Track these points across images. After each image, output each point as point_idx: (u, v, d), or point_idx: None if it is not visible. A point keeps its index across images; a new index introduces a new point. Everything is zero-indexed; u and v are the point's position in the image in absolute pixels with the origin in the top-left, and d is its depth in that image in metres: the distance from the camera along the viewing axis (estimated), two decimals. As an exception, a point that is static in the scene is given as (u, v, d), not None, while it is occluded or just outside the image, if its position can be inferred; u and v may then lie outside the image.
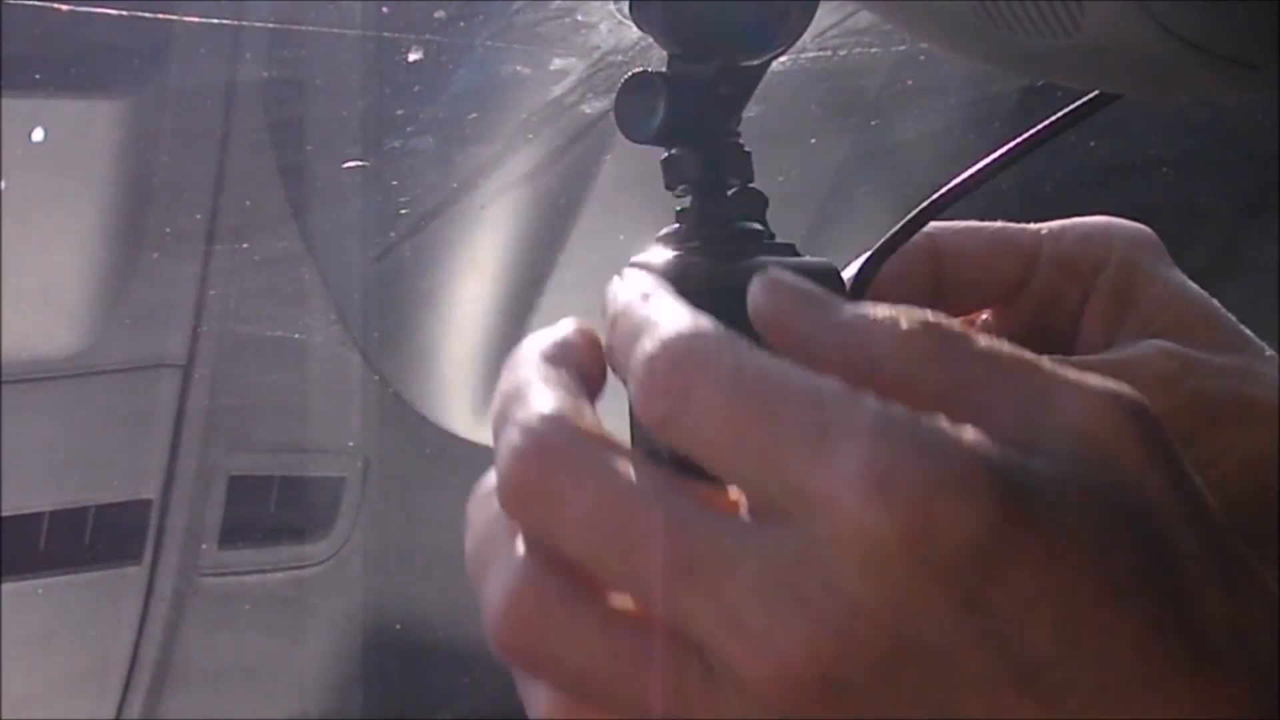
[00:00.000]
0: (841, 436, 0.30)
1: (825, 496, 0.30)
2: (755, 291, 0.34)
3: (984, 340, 0.33)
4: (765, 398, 0.31)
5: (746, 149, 0.47)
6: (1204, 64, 0.44)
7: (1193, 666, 0.30)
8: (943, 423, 0.31)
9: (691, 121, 0.45)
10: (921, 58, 1.32)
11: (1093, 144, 1.38)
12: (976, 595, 0.30)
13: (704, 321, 0.33)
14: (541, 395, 0.34)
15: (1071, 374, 0.32)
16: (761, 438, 0.31)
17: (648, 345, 0.32)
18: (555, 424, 0.33)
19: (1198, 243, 1.47)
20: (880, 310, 0.33)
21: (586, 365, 0.36)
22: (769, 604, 0.30)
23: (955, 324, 0.33)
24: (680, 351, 0.32)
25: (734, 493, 0.33)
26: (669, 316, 0.33)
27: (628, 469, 0.32)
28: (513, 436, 0.33)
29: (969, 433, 0.31)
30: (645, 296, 0.34)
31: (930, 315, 0.33)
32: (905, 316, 0.33)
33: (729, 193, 0.46)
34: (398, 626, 1.56)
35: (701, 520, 0.31)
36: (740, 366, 0.31)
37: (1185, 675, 0.30)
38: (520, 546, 0.33)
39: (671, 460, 0.33)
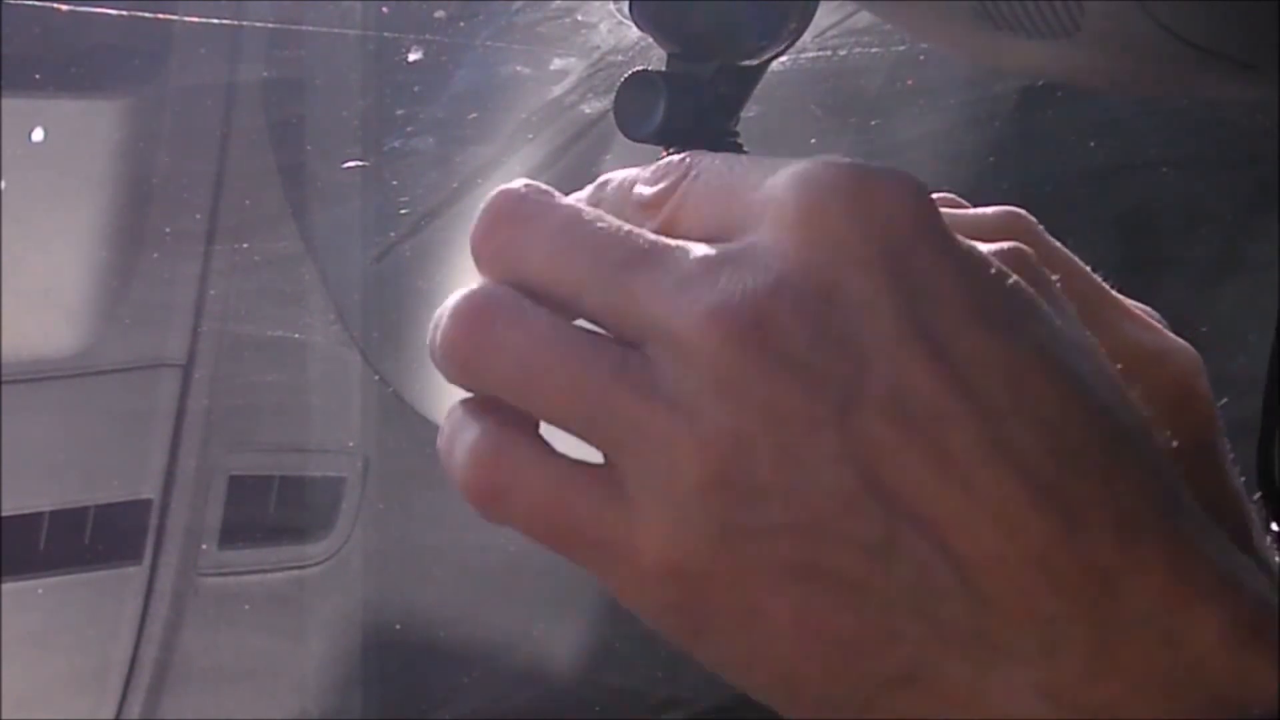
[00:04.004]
0: (780, 169, 0.35)
1: (775, 200, 0.35)
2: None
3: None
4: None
5: (745, 149, 0.47)
6: (1204, 64, 0.44)
7: (1085, 372, 0.35)
8: None
9: (690, 121, 0.45)
10: (921, 58, 1.32)
11: (1093, 144, 1.38)
12: (900, 262, 0.34)
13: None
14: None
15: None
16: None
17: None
18: (516, 188, 0.38)
19: (1198, 243, 1.47)
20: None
21: None
22: (707, 263, 0.34)
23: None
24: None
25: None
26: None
27: (578, 207, 0.37)
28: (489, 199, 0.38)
29: None
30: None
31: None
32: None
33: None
34: (398, 626, 1.56)
35: (646, 235, 0.36)
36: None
37: (1077, 379, 0.35)
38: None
39: None
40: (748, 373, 0.33)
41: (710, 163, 0.37)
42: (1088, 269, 0.43)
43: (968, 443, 0.33)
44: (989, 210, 0.42)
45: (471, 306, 0.36)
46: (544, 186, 0.38)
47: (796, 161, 0.36)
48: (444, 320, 0.36)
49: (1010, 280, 0.35)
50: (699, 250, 0.35)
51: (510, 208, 0.37)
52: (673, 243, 0.35)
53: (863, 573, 0.33)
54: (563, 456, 0.36)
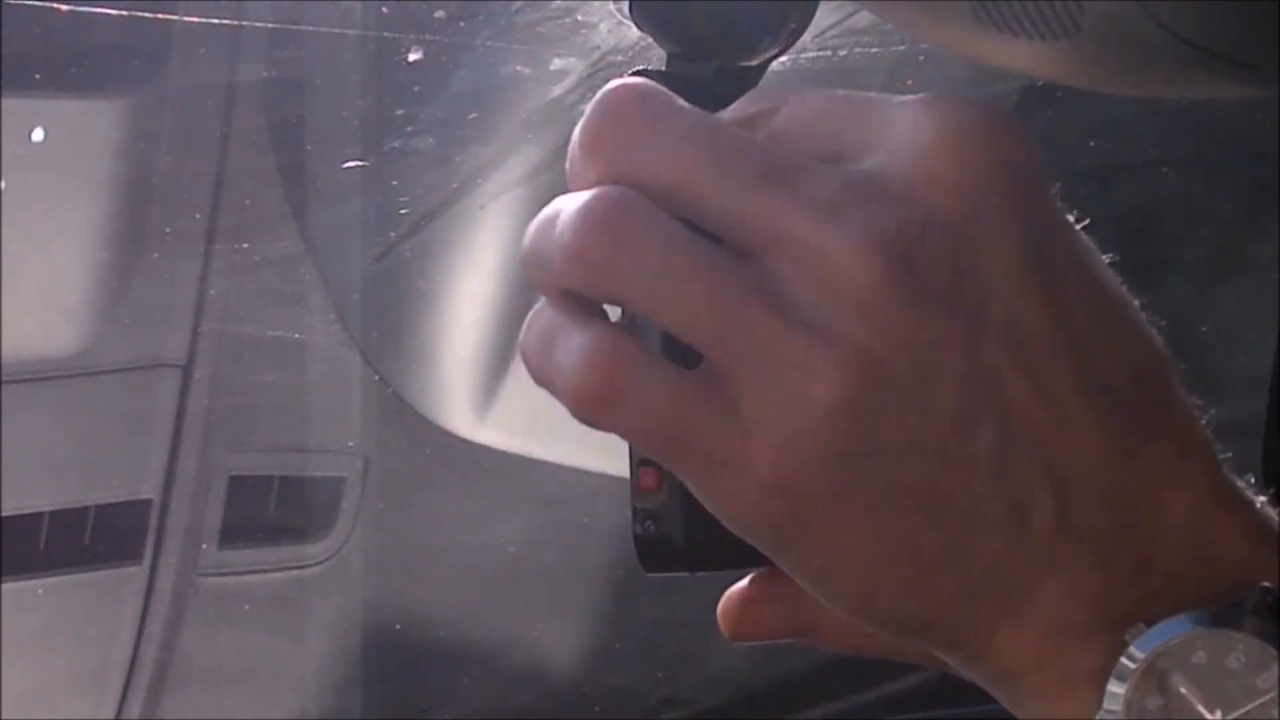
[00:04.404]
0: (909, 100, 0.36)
1: (905, 125, 0.35)
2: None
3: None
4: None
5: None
6: (1204, 64, 0.44)
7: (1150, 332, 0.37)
8: None
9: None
10: (921, 58, 1.32)
11: (1093, 144, 1.38)
12: (1025, 197, 0.36)
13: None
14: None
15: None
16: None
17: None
18: (642, 83, 0.37)
19: (1198, 243, 1.47)
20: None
21: None
22: (856, 188, 0.35)
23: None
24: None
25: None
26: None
27: (711, 115, 0.37)
28: (600, 94, 0.37)
29: None
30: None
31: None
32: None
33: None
34: (398, 626, 1.56)
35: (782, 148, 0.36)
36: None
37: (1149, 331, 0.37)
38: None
39: None
40: (893, 300, 0.34)
41: (807, 91, 0.38)
42: None
43: (1068, 371, 0.35)
44: None
45: (608, 208, 0.35)
46: (662, 87, 0.37)
47: (906, 97, 0.36)
48: (571, 220, 0.35)
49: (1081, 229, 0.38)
50: (838, 171, 0.35)
51: (633, 104, 0.36)
52: (808, 161, 0.35)
53: (962, 491, 0.34)
54: (675, 365, 0.35)
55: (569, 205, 0.35)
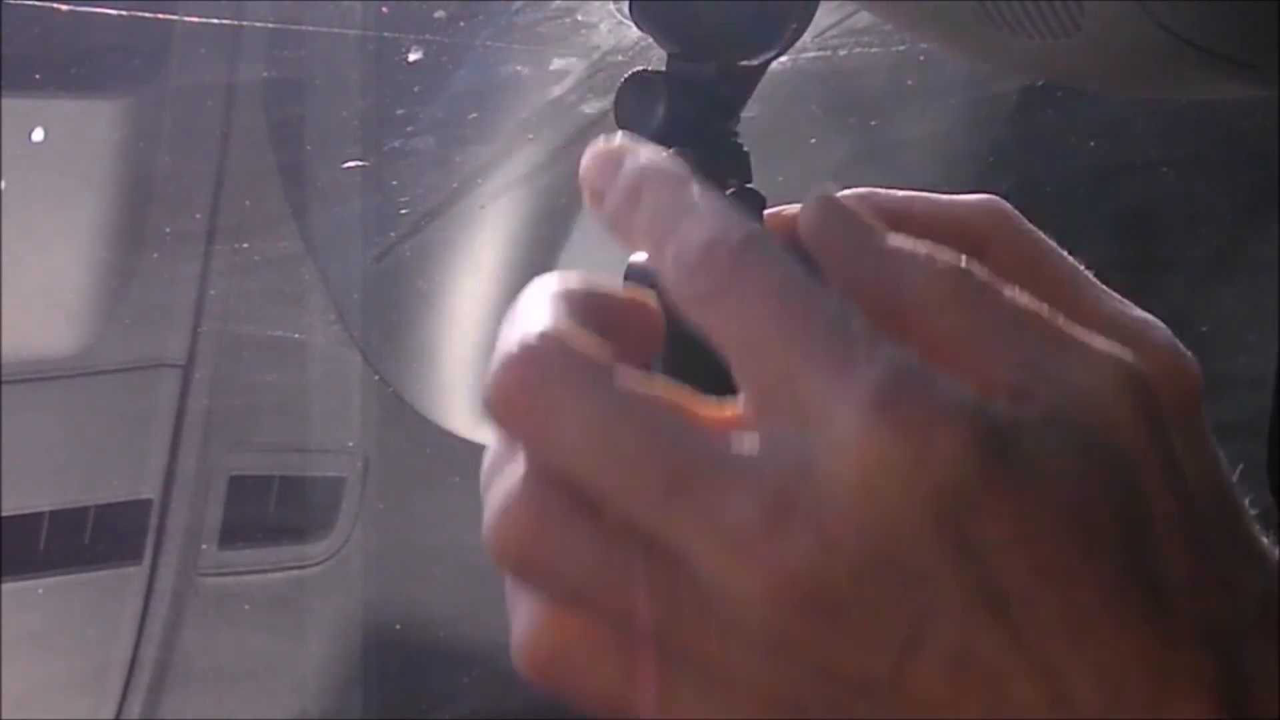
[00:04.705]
0: (858, 361, 0.32)
1: (829, 411, 0.32)
2: (807, 208, 0.37)
3: (1007, 290, 0.35)
4: (802, 309, 0.33)
5: (745, 149, 0.47)
6: (1204, 64, 0.44)
7: (1148, 616, 0.33)
8: (948, 372, 0.33)
9: (690, 121, 0.45)
10: (921, 58, 1.32)
11: (1093, 144, 1.38)
12: (959, 524, 0.32)
13: (754, 225, 0.35)
14: (541, 315, 0.35)
15: (1080, 333, 0.35)
16: (787, 343, 0.33)
17: (701, 225, 0.34)
18: (549, 339, 0.34)
19: (1198, 243, 1.47)
20: (919, 246, 0.35)
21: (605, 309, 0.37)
22: (760, 517, 0.32)
23: (983, 271, 0.35)
24: (737, 239, 0.34)
25: (728, 407, 0.36)
26: (718, 205, 0.35)
27: (621, 384, 0.33)
28: (507, 347, 0.34)
29: (971, 380, 0.33)
30: (681, 180, 0.36)
31: (963, 260, 0.35)
32: (940, 256, 0.35)
33: (727, 193, 0.46)
34: (398, 626, 1.57)
35: (695, 433, 0.33)
36: (789, 275, 0.34)
37: (1140, 624, 0.33)
38: (521, 459, 0.35)
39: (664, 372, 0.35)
40: (802, 637, 0.32)
41: (769, 271, 0.34)
42: (1064, 252, 0.42)
43: (1026, 698, 0.32)
44: (968, 198, 0.42)
45: (520, 512, 0.34)
46: (576, 339, 0.34)
47: (864, 343, 0.33)
48: (492, 517, 0.35)
49: (1081, 516, 0.33)
50: (755, 482, 0.32)
51: (535, 375, 0.34)
52: (728, 462, 0.33)
53: None
54: (613, 641, 0.34)
55: (494, 496, 0.35)
